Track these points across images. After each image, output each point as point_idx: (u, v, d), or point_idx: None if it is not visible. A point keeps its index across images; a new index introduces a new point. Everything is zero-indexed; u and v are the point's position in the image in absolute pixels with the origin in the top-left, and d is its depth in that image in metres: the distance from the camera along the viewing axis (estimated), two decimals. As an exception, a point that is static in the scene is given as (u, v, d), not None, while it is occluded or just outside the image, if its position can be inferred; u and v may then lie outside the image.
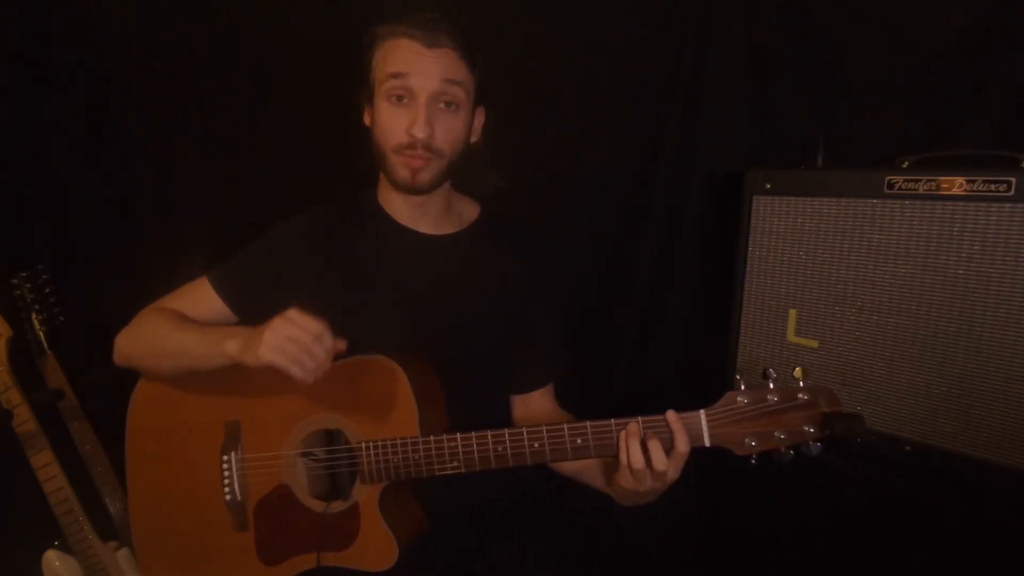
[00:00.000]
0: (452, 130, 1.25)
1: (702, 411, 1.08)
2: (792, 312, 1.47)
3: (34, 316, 1.71)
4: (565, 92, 1.74)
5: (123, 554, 1.75)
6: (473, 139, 1.33)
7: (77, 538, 1.72)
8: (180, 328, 1.28)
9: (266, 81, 1.86)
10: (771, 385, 1.07)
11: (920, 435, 1.34)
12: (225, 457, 1.28)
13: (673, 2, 1.64)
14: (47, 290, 1.74)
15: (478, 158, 1.37)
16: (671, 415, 1.08)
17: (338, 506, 1.22)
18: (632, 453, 1.08)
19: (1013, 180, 1.20)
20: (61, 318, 1.75)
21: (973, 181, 1.23)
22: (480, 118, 1.34)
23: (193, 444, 1.29)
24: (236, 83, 1.87)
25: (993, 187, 1.22)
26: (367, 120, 1.31)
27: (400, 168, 1.24)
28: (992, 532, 1.27)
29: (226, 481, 1.27)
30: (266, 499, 1.27)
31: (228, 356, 1.16)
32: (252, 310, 1.33)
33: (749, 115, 1.64)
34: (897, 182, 1.31)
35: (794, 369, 1.07)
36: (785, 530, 1.49)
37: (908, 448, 1.35)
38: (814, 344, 1.45)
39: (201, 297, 1.36)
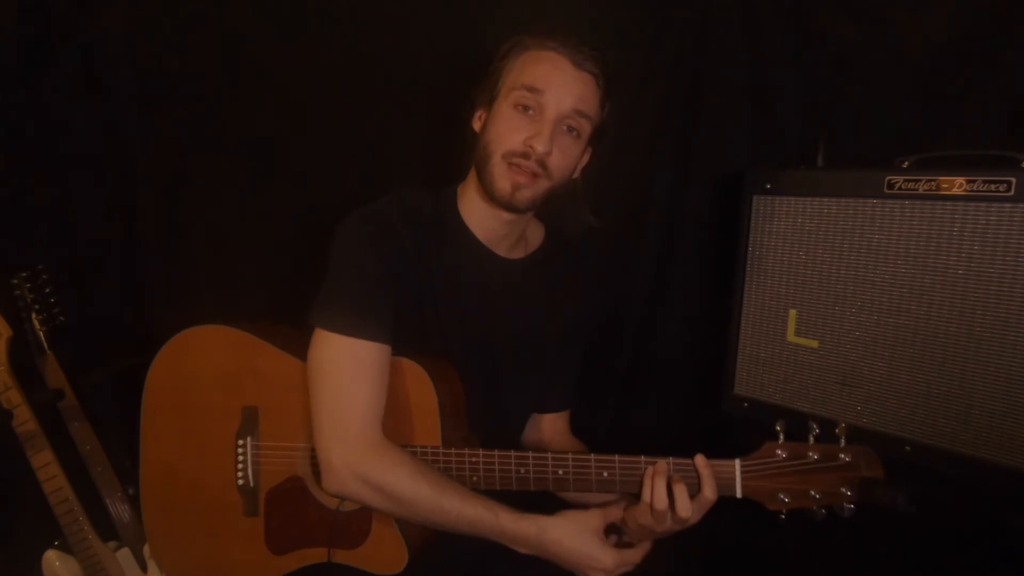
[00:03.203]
0: (568, 155, 1.20)
1: (737, 460, 1.05)
2: (792, 312, 1.47)
3: (34, 316, 1.71)
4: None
5: (123, 554, 1.75)
6: (575, 175, 1.30)
7: (77, 538, 1.72)
8: (454, 500, 1.12)
9: (268, 79, 1.86)
10: (812, 440, 1.03)
11: (920, 435, 1.34)
12: (240, 441, 1.28)
13: (673, 3, 1.64)
14: (47, 290, 1.74)
15: (576, 196, 1.34)
16: (700, 460, 1.05)
17: (351, 505, 1.22)
18: (656, 493, 1.04)
19: (1013, 180, 1.20)
20: (61, 318, 1.75)
21: (973, 181, 1.23)
22: (587, 157, 1.30)
23: (209, 424, 1.29)
24: (238, 81, 1.87)
25: (993, 187, 1.22)
26: (476, 125, 1.26)
27: (502, 178, 1.18)
28: (992, 532, 1.27)
29: (239, 465, 1.27)
30: (278, 489, 1.27)
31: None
32: (392, 330, 1.19)
33: (749, 115, 1.64)
34: (897, 182, 1.31)
35: (837, 425, 1.03)
36: (784, 527, 1.49)
37: (908, 448, 1.35)
38: (814, 344, 1.45)
39: (352, 360, 1.14)
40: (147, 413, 1.34)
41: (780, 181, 1.46)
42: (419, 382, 1.19)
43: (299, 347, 1.27)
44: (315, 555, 1.25)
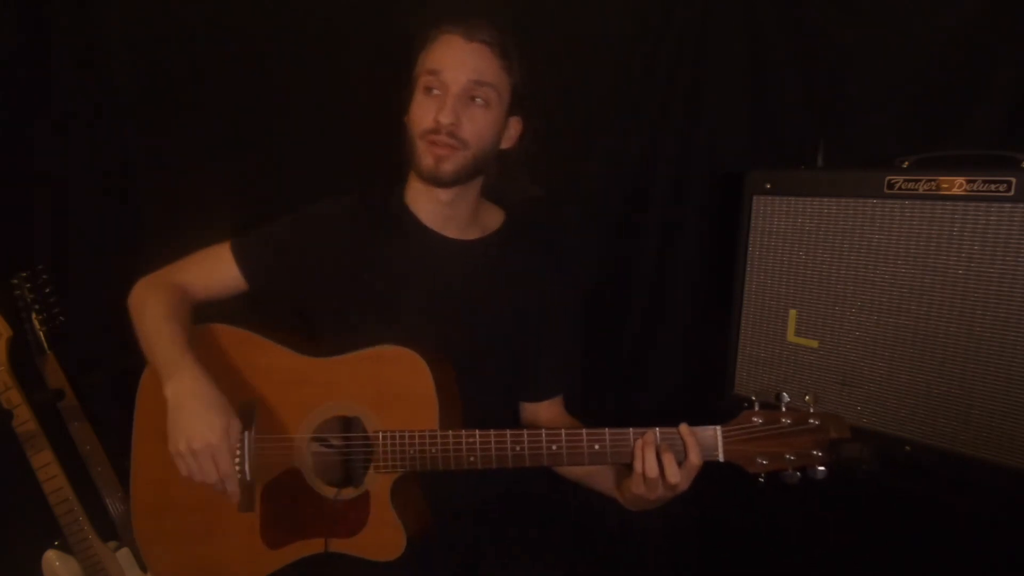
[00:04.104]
0: (479, 124, 1.26)
1: (718, 427, 1.11)
2: (792, 312, 1.47)
3: (34, 316, 1.71)
4: (566, 93, 1.74)
5: (123, 554, 1.76)
6: (505, 145, 1.34)
7: (77, 538, 1.72)
8: (172, 327, 1.26)
9: (267, 79, 1.86)
10: (784, 407, 1.10)
11: (920, 435, 1.34)
12: None
13: (673, 2, 1.64)
14: (47, 290, 1.74)
15: (514, 168, 1.38)
16: (684, 428, 1.11)
17: (349, 493, 1.23)
18: (647, 462, 1.10)
19: (1013, 180, 1.20)
20: (61, 318, 1.75)
21: (973, 181, 1.23)
22: (516, 127, 1.35)
23: None
24: (238, 82, 1.87)
25: (993, 187, 1.22)
26: (407, 120, 1.32)
27: (425, 155, 1.26)
28: (992, 532, 1.27)
29: (237, 460, 1.27)
30: (275, 481, 1.27)
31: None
32: (265, 286, 1.36)
33: (749, 115, 1.64)
34: (897, 182, 1.31)
35: (806, 395, 1.11)
36: (785, 528, 1.49)
37: (908, 448, 1.35)
38: (814, 344, 1.45)
39: (219, 262, 1.37)
40: (140, 416, 1.34)
41: (780, 181, 1.46)
42: (415, 368, 1.20)
43: (295, 341, 1.30)
44: (311, 546, 1.25)
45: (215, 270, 1.37)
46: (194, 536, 1.32)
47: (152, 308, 1.30)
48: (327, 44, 1.81)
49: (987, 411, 1.26)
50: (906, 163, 1.33)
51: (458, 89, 1.24)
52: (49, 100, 1.90)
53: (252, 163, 1.92)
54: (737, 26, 1.60)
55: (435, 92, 1.25)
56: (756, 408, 1.11)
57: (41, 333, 1.72)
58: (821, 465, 1.07)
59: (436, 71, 1.25)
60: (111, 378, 1.38)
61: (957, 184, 1.25)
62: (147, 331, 1.28)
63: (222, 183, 1.93)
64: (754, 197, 1.49)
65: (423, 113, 1.26)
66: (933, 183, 1.27)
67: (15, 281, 1.71)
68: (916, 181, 1.29)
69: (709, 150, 1.68)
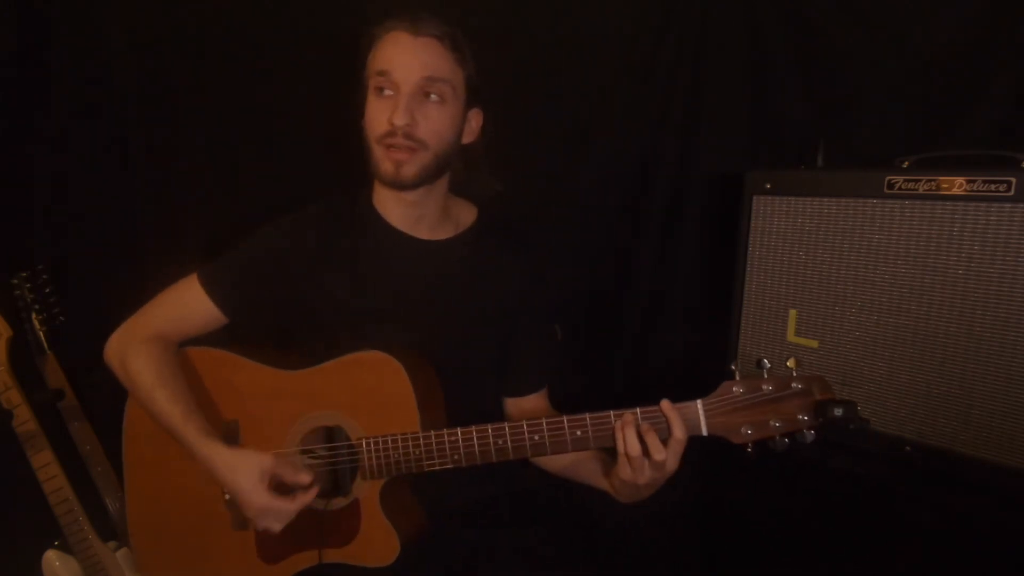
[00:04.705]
0: (436, 121, 1.22)
1: (699, 400, 1.09)
2: (792, 312, 1.47)
3: (34, 316, 1.71)
4: (567, 93, 1.74)
5: (123, 554, 1.76)
6: (467, 140, 1.31)
7: (77, 538, 1.72)
8: (164, 395, 1.25)
9: (267, 80, 1.86)
10: (765, 374, 1.08)
11: (920, 435, 1.34)
12: None
13: (673, 2, 1.64)
14: (47, 290, 1.74)
15: (477, 161, 1.35)
16: (665, 404, 1.09)
17: (339, 503, 1.23)
18: (628, 441, 1.09)
19: (1013, 180, 1.20)
20: (61, 318, 1.75)
21: (973, 181, 1.23)
22: (476, 120, 1.31)
23: None
24: (237, 82, 1.87)
25: (993, 187, 1.22)
26: (363, 124, 1.29)
27: (384, 160, 1.22)
28: (992, 532, 1.27)
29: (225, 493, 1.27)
30: None
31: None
32: (243, 313, 1.33)
33: (749, 115, 1.64)
34: (897, 182, 1.31)
35: (787, 360, 1.08)
36: (786, 530, 1.49)
37: (908, 448, 1.35)
38: (814, 344, 1.45)
39: (190, 298, 1.33)
40: (128, 444, 1.35)
41: (780, 181, 1.46)
42: (392, 372, 1.19)
43: (271, 355, 1.30)
44: (307, 558, 1.25)
45: (188, 309, 1.33)
46: (193, 558, 1.32)
47: (138, 377, 1.27)
48: (328, 44, 1.81)
49: (987, 411, 1.27)
50: (906, 163, 1.33)
51: (410, 88, 1.19)
52: (49, 100, 1.90)
53: (253, 163, 1.92)
54: (737, 26, 1.61)
55: (387, 93, 1.20)
56: (736, 377, 1.08)
57: (41, 333, 1.72)
58: (809, 429, 1.04)
59: (386, 71, 1.20)
60: (111, 378, 1.38)
61: (957, 184, 1.25)
62: (144, 401, 1.28)
63: (222, 183, 1.93)
64: (754, 197, 1.49)
65: (377, 116, 1.21)
66: (933, 183, 1.27)
67: (15, 281, 1.71)
68: (916, 181, 1.29)
69: (709, 150, 1.68)
